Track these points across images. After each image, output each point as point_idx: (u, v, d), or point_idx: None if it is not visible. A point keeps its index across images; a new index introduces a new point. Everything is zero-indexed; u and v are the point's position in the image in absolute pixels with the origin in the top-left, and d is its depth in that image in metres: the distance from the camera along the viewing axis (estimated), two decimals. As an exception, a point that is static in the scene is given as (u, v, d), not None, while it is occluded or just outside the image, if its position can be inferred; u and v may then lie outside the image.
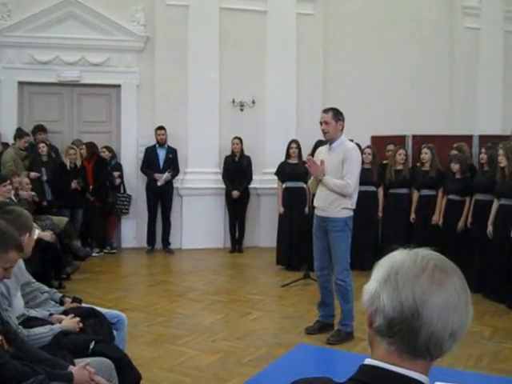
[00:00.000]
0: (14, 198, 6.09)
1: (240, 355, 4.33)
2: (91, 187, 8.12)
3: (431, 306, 1.12)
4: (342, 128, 4.71)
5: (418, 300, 1.12)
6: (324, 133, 4.73)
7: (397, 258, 1.19)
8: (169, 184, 8.45)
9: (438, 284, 1.13)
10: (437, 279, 1.13)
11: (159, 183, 8.33)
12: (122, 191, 8.52)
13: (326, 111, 4.73)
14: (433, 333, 1.12)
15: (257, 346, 4.54)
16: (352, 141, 5.30)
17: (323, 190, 4.73)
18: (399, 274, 1.15)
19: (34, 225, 5.47)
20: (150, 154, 8.45)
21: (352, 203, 4.70)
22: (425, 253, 1.18)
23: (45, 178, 7.80)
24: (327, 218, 4.71)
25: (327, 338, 4.72)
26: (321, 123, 4.71)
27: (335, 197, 4.64)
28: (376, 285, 1.17)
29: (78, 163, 7.97)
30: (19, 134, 7.89)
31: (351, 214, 4.74)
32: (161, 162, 8.42)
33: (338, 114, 4.68)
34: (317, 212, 4.83)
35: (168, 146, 8.48)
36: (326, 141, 4.86)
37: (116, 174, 8.35)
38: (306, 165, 4.87)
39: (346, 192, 4.61)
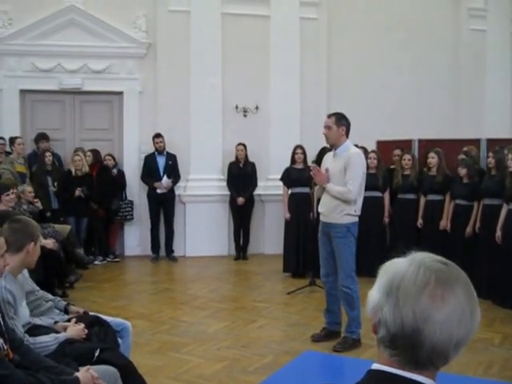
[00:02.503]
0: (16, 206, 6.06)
1: (246, 363, 4.31)
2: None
3: (433, 322, 1.11)
4: (346, 133, 4.67)
5: (419, 317, 1.11)
6: (326, 138, 4.73)
7: (399, 268, 1.17)
8: (170, 191, 8.41)
9: (440, 300, 1.12)
10: (439, 295, 1.12)
11: (160, 191, 8.28)
12: (123, 198, 8.50)
13: (329, 116, 4.73)
14: (435, 347, 1.12)
15: (262, 354, 4.51)
16: (357, 145, 5.25)
17: (327, 196, 4.72)
18: (400, 289, 1.14)
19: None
20: (149, 162, 8.41)
21: (356, 209, 4.66)
22: (428, 264, 1.16)
23: (51, 187, 7.79)
24: (330, 224, 4.70)
25: (334, 345, 4.67)
26: (324, 127, 4.71)
27: (338, 203, 4.63)
28: (379, 296, 1.18)
29: (84, 170, 7.92)
30: (10, 141, 7.84)
31: (355, 220, 4.69)
32: (161, 169, 8.39)
33: (340, 119, 4.65)
34: (321, 218, 4.83)
35: (167, 153, 8.44)
36: (331, 147, 4.84)
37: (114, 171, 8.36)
38: (311, 173, 4.82)
39: (348, 198, 4.59)
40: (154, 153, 8.42)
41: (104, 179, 8.16)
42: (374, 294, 1.19)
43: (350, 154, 4.62)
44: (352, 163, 4.58)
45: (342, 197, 4.59)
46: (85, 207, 7.90)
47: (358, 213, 4.71)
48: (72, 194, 7.69)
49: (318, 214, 6.73)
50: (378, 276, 1.20)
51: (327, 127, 4.65)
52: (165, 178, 8.29)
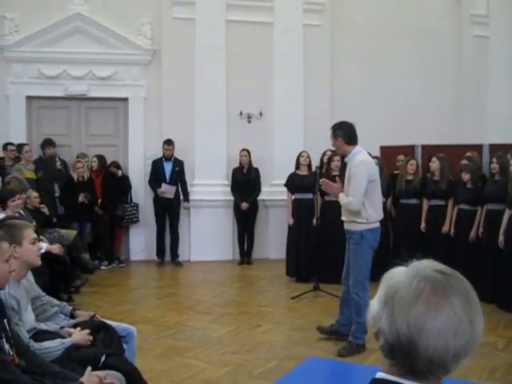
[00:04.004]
0: (22, 212, 6.11)
1: (250, 368, 4.32)
2: (100, 201, 8.15)
3: (427, 333, 1.10)
4: (349, 140, 4.63)
5: (413, 328, 1.11)
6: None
7: (396, 278, 1.18)
8: (176, 197, 8.44)
9: (434, 309, 1.11)
10: (433, 304, 1.11)
11: (167, 195, 8.31)
12: (129, 201, 8.55)
13: (331, 128, 4.78)
14: (432, 358, 1.11)
15: (267, 359, 4.52)
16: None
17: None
18: (395, 299, 1.14)
19: (43, 238, 5.53)
20: (156, 168, 8.46)
21: (368, 218, 4.63)
22: (425, 273, 1.15)
23: (57, 192, 7.86)
24: (348, 231, 4.79)
25: (338, 349, 4.68)
26: None
27: (350, 212, 4.70)
28: (378, 306, 1.18)
29: (86, 176, 8.00)
30: (18, 148, 7.88)
31: (370, 227, 4.66)
32: (167, 174, 8.43)
33: (335, 131, 4.65)
34: (344, 225, 4.91)
35: (175, 159, 8.49)
36: (334, 150, 4.93)
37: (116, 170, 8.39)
38: (322, 187, 4.94)
39: (350, 209, 4.64)
40: (161, 158, 8.48)
41: (109, 185, 8.21)
42: (374, 303, 1.20)
43: (352, 165, 4.61)
44: (353, 174, 4.58)
45: (347, 207, 4.66)
46: (88, 212, 7.95)
47: (377, 218, 4.69)
48: (75, 200, 7.74)
49: (321, 219, 6.81)
50: (380, 285, 1.21)
51: (332, 140, 4.75)
52: (164, 185, 8.32)
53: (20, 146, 7.86)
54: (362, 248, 4.66)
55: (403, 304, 1.12)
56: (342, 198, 4.70)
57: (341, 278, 7.02)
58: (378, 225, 4.72)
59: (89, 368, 2.51)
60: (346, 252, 4.89)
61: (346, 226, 4.80)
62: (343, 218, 4.84)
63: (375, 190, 4.68)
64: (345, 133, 4.62)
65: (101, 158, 8.28)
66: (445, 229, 6.76)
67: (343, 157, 4.88)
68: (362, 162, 4.62)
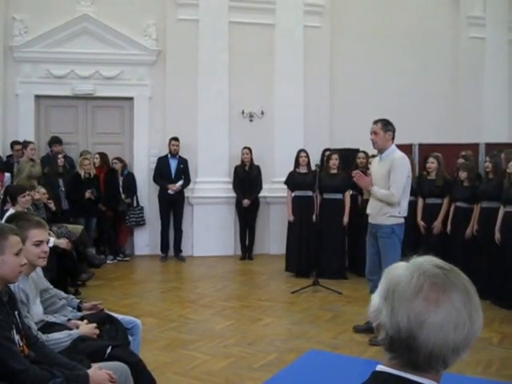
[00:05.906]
0: (31, 207, 6.27)
1: (251, 360, 4.37)
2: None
3: (427, 326, 1.12)
4: (393, 138, 4.84)
5: (413, 322, 1.12)
6: (373, 143, 4.89)
7: (396, 272, 1.20)
8: (180, 193, 8.61)
9: (434, 304, 1.12)
10: (433, 299, 1.13)
11: (171, 192, 8.49)
12: (134, 204, 8.71)
13: (375, 122, 4.87)
14: (432, 351, 1.13)
15: (268, 352, 4.57)
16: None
17: (373, 199, 4.94)
18: (396, 293, 1.16)
19: (51, 232, 5.68)
20: (161, 164, 8.61)
21: (400, 211, 4.82)
22: (425, 268, 1.17)
23: (62, 188, 8.02)
24: (376, 225, 4.89)
25: (370, 338, 4.69)
26: (371, 133, 4.85)
27: (382, 205, 4.81)
28: (378, 299, 1.21)
29: (92, 173, 8.15)
30: (23, 144, 8.03)
31: (400, 221, 4.85)
32: (172, 171, 8.59)
33: (387, 125, 4.82)
34: (369, 219, 5.01)
35: (179, 157, 8.65)
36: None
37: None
38: (354, 178, 5.02)
39: (391, 201, 4.76)
40: (166, 155, 8.63)
41: (111, 181, 8.36)
42: (375, 297, 1.21)
43: (393, 158, 4.77)
44: (395, 167, 4.74)
45: (387, 200, 4.77)
46: (94, 208, 8.10)
47: (404, 214, 4.87)
48: (82, 196, 7.90)
49: (321, 216, 6.94)
50: (381, 279, 1.23)
51: (374, 133, 4.81)
52: (179, 183, 8.49)
53: (25, 143, 7.97)
54: (392, 241, 4.79)
55: (404, 299, 1.14)
56: (377, 191, 4.81)
57: (339, 273, 7.25)
58: (404, 220, 4.90)
59: (98, 365, 2.55)
60: (370, 247, 4.97)
61: (374, 220, 4.89)
62: (369, 212, 4.96)
63: (408, 186, 4.88)
64: (393, 129, 4.84)
65: (103, 155, 8.41)
66: (436, 224, 6.83)
67: (380, 152, 4.91)
68: (404, 158, 4.85)
